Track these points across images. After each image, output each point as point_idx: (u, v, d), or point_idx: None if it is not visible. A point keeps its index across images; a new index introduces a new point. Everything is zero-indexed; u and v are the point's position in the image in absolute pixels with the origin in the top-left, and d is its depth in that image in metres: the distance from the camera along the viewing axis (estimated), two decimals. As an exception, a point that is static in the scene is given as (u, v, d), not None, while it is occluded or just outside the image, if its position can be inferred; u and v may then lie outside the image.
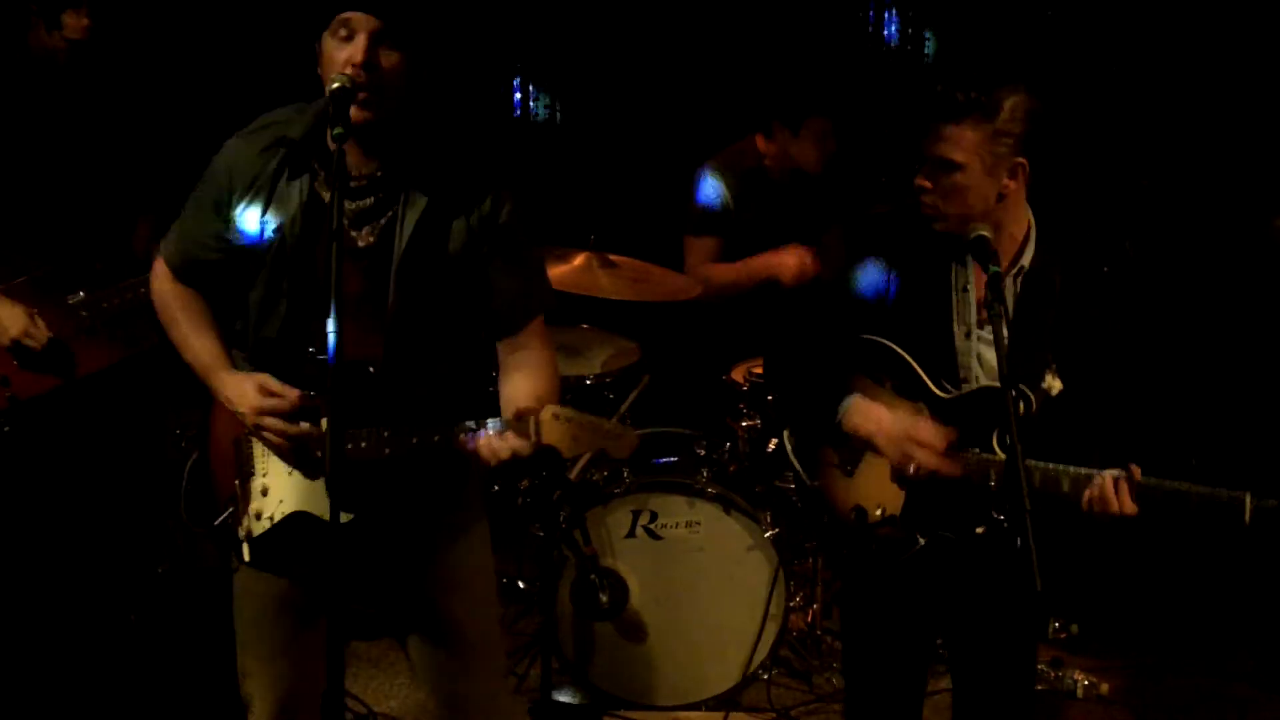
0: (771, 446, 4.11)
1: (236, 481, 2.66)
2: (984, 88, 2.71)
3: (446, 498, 2.74)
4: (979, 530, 2.80)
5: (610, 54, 5.53)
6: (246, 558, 2.65)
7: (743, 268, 4.51)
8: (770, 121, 4.52)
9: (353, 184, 2.52)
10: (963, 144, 2.70)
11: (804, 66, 4.67)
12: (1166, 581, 4.58)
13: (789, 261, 4.40)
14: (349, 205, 2.52)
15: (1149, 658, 4.39)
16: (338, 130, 2.33)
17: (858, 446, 2.86)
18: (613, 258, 4.24)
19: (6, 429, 3.39)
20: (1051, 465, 2.69)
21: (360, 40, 2.39)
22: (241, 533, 2.66)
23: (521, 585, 4.27)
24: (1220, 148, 5.10)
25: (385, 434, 2.53)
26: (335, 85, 2.37)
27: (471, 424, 2.50)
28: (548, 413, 2.47)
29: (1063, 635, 4.41)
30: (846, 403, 2.83)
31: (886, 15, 5.64)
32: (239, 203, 2.55)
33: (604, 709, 4.02)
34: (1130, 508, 2.63)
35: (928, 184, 2.74)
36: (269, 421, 2.54)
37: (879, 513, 2.84)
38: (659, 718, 4.02)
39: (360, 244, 2.54)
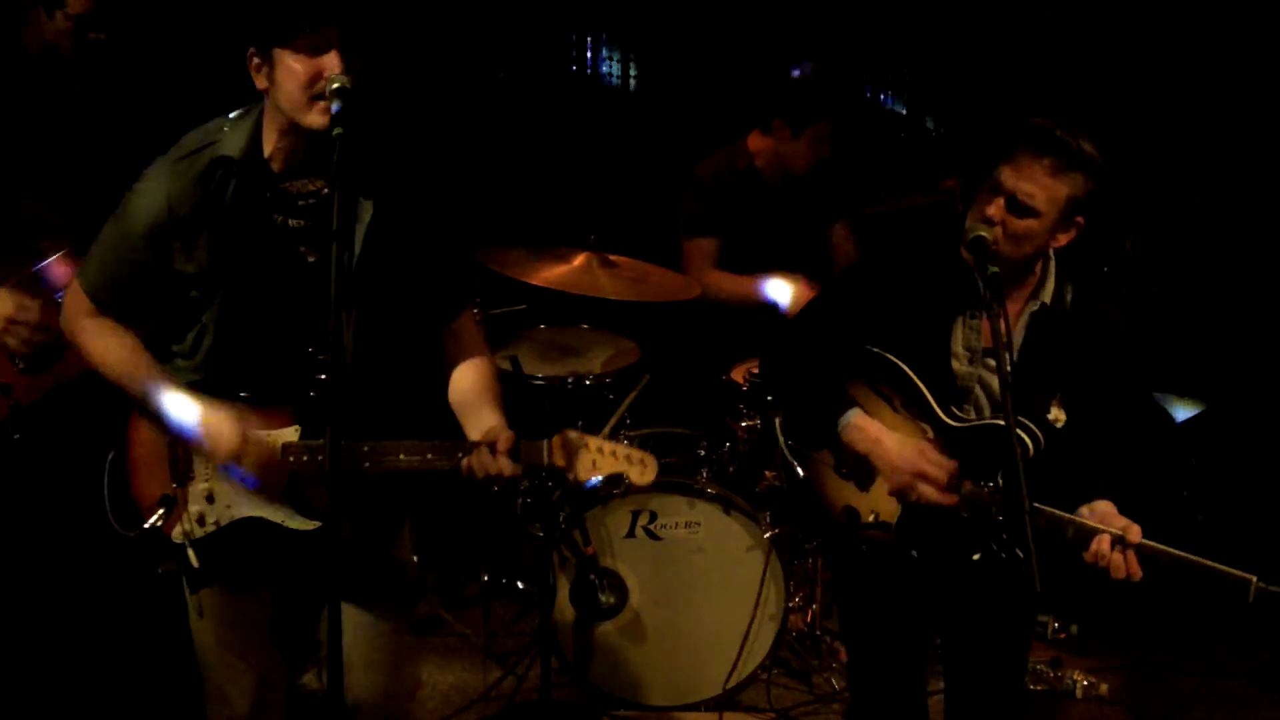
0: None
1: (174, 485, 2.64)
2: (1087, 138, 2.54)
3: (392, 497, 2.78)
4: (975, 557, 2.75)
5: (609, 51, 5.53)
6: (195, 563, 2.64)
7: (744, 287, 4.48)
8: (772, 118, 4.50)
9: (300, 204, 2.54)
10: (1053, 195, 2.55)
11: (819, 69, 4.62)
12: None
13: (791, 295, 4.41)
14: (294, 223, 2.54)
15: (1149, 658, 4.39)
16: (337, 131, 2.34)
17: (853, 459, 2.80)
18: (613, 258, 4.24)
19: (17, 436, 3.38)
20: (1059, 512, 2.63)
21: (334, 51, 2.38)
22: (178, 537, 2.64)
23: (521, 585, 4.26)
24: (1220, 148, 5.10)
25: (365, 449, 2.53)
26: (336, 85, 2.37)
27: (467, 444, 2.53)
28: (558, 439, 2.49)
29: (1062, 635, 4.42)
30: (847, 417, 2.76)
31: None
32: (185, 233, 2.52)
33: (604, 709, 4.02)
34: (1136, 572, 2.59)
35: (997, 217, 2.60)
36: (248, 463, 2.54)
37: (872, 517, 2.81)
38: (658, 718, 4.02)
39: (310, 259, 2.55)
